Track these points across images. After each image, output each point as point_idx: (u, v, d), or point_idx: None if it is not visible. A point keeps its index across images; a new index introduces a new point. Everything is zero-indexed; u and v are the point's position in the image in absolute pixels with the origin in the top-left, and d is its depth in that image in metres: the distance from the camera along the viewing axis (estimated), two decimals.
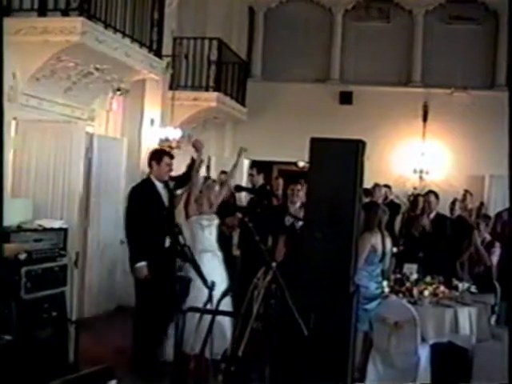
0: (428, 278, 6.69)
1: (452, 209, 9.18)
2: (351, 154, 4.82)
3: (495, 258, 7.61)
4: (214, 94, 10.92)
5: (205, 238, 6.35)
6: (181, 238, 4.50)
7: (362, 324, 6.14)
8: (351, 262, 4.68)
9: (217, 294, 4.38)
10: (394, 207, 10.55)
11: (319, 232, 4.50)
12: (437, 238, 8.02)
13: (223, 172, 9.70)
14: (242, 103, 12.70)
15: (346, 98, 13.24)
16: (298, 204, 7.32)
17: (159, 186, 6.13)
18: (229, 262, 8.24)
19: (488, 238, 7.79)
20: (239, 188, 7.68)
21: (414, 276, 6.69)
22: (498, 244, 7.72)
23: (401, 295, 6.31)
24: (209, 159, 12.21)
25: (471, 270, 7.58)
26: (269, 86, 13.50)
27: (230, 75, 11.86)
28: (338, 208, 4.66)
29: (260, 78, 13.97)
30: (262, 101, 13.09)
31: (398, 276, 6.83)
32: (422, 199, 8.60)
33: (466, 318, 6.10)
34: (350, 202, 4.72)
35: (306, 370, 4.39)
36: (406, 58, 13.73)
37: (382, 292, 6.24)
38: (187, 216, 6.40)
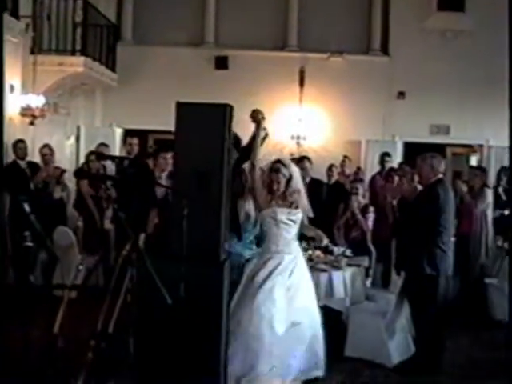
0: (304, 244, 6.66)
1: (329, 174, 9.29)
2: (218, 118, 4.59)
3: (370, 223, 7.69)
4: (81, 59, 10.28)
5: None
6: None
7: None
8: (221, 230, 4.47)
9: None
10: None
11: (186, 199, 4.25)
12: (312, 203, 7.99)
13: (103, 144, 9.26)
14: (112, 69, 12.10)
15: (221, 63, 12.91)
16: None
17: None
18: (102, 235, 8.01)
19: (363, 202, 7.84)
20: (101, 156, 7.24)
21: None
22: (372, 208, 7.80)
23: None
24: (78, 129, 11.66)
25: (347, 234, 7.62)
26: (140, 50, 12.93)
27: (98, 38, 11.23)
28: (206, 175, 4.42)
29: (131, 41, 13.31)
30: (134, 66, 12.55)
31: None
32: (298, 167, 8.49)
33: (341, 281, 6.14)
34: (219, 169, 4.49)
35: (177, 341, 4.18)
36: (282, 22, 13.58)
37: None
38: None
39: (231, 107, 4.70)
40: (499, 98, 12.85)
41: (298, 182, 5.29)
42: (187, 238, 4.35)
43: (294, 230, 5.20)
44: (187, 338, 4.11)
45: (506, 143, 13.30)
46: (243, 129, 12.92)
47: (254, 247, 6.06)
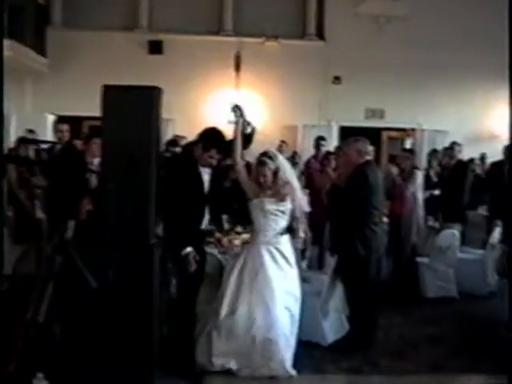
0: (239, 228, 6.70)
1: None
2: (146, 101, 4.52)
3: (305, 206, 7.71)
4: (7, 42, 9.94)
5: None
6: None
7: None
8: (150, 213, 4.42)
9: None
10: None
11: (112, 183, 4.20)
12: None
13: (29, 130, 9.02)
14: (42, 53, 11.79)
15: (155, 48, 12.78)
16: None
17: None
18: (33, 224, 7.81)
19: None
20: (24, 140, 7.05)
21: (226, 226, 6.64)
22: (307, 191, 7.84)
23: (211, 246, 6.25)
24: (7, 117, 11.32)
25: None
26: (71, 34, 12.65)
27: (26, 21, 10.89)
28: (134, 158, 4.37)
29: (61, 25, 12.99)
30: (65, 51, 12.28)
31: (209, 227, 6.77)
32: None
33: None
34: (146, 152, 4.43)
35: (106, 327, 4.14)
36: (217, 7, 13.55)
37: None
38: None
39: (160, 90, 4.62)
40: (432, 83, 13.29)
41: (287, 174, 5.21)
42: (116, 223, 4.32)
43: (282, 221, 5.14)
44: (117, 324, 4.08)
45: (438, 127, 13.75)
46: (180, 114, 12.91)
47: None
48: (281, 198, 5.10)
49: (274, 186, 5.13)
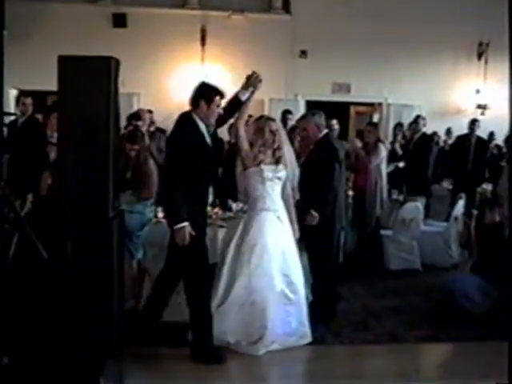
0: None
1: (231, 133, 9.28)
2: (102, 71, 4.42)
3: None
4: None
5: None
6: None
7: (137, 251, 6.01)
8: (109, 186, 4.36)
9: None
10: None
11: (70, 155, 4.14)
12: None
13: None
14: (1, 26, 11.50)
15: (119, 21, 12.55)
16: None
17: (203, 127, 4.94)
18: None
19: None
20: None
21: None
22: None
23: None
24: None
25: None
26: (32, 5, 12.27)
27: None
28: (92, 130, 4.30)
29: None
30: (26, 23, 11.92)
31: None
32: None
33: None
34: (104, 124, 4.36)
35: (63, 301, 4.11)
36: None
37: (156, 217, 6.13)
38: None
39: (117, 60, 4.54)
40: (398, 58, 13.31)
41: (282, 138, 5.29)
42: (74, 196, 4.26)
43: (278, 187, 5.21)
44: (75, 298, 4.05)
45: (404, 101, 13.80)
46: (145, 88, 12.74)
47: (153, 207, 6.08)
48: (276, 160, 5.18)
49: (272, 146, 5.19)
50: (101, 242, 4.27)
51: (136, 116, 7.93)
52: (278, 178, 5.20)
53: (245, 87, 5.17)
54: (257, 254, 5.06)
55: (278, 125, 5.36)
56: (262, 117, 5.44)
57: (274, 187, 5.19)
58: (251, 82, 5.19)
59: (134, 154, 5.96)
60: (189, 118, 4.93)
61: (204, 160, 4.89)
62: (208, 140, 4.93)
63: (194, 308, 4.92)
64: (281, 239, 5.17)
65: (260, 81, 5.19)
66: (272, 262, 5.09)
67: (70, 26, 12.12)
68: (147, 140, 8.47)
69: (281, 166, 5.21)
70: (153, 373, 4.71)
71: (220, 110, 4.98)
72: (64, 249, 4.15)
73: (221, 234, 6.10)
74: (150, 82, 12.49)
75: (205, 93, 4.96)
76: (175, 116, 12.82)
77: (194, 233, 4.76)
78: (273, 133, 5.21)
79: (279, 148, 5.23)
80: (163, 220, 6.14)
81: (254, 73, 5.23)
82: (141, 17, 12.60)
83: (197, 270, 4.86)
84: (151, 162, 6.18)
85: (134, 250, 6.03)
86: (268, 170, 5.15)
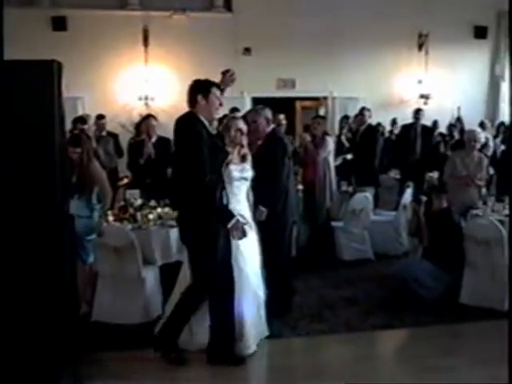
0: (153, 202, 6.62)
1: None
2: (45, 75, 4.33)
3: None
4: None
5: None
6: None
7: (89, 256, 5.98)
8: (56, 191, 4.27)
9: None
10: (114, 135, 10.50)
11: (13, 159, 4.06)
12: (160, 161, 7.96)
13: None
14: None
15: (59, 24, 12.30)
16: None
17: (207, 124, 4.75)
18: None
19: None
20: None
21: (138, 202, 6.56)
22: None
23: (125, 222, 6.20)
24: None
25: None
26: None
27: None
28: (36, 134, 4.21)
29: None
30: None
31: (122, 203, 6.70)
32: (144, 124, 8.40)
33: None
34: (49, 127, 4.27)
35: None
36: None
37: (106, 221, 6.08)
38: None
39: (59, 63, 4.44)
40: (341, 51, 13.45)
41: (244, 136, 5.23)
42: (21, 200, 4.17)
43: (244, 187, 5.13)
44: (27, 304, 3.99)
45: (347, 94, 13.93)
46: (89, 92, 12.54)
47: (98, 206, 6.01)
48: (242, 157, 5.13)
49: (238, 144, 5.12)
50: (51, 248, 4.18)
51: (81, 119, 7.84)
52: (245, 179, 5.12)
53: (219, 84, 4.92)
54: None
55: (242, 123, 5.26)
56: (225, 116, 5.31)
57: (241, 187, 5.11)
58: (225, 79, 4.96)
59: (76, 157, 5.90)
60: (193, 117, 4.73)
61: (217, 158, 4.76)
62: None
63: (217, 313, 4.81)
64: (247, 239, 4.99)
65: (233, 80, 4.96)
66: (247, 262, 5.04)
67: (9, 31, 11.79)
68: (94, 143, 8.40)
69: (247, 166, 5.15)
70: (112, 376, 4.65)
71: (221, 101, 4.80)
72: (13, 255, 4.06)
73: (172, 234, 6.07)
74: (93, 85, 12.32)
75: (200, 87, 4.79)
76: (121, 118, 12.76)
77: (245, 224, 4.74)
78: (240, 131, 5.14)
79: (244, 146, 5.17)
80: (115, 222, 6.12)
81: (229, 71, 5.00)
82: (81, 19, 12.38)
83: (222, 275, 4.75)
84: (96, 165, 6.12)
85: (85, 255, 5.97)
86: (235, 170, 5.07)
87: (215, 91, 4.76)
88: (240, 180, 5.09)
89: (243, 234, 4.74)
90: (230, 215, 4.69)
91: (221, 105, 4.81)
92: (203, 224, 4.64)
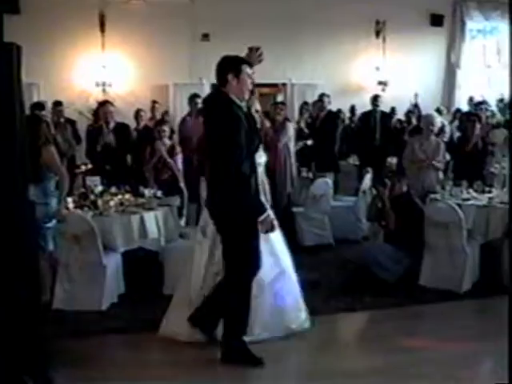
0: (113, 189, 6.57)
1: (137, 119, 9.24)
2: (4, 58, 4.22)
3: (180, 164, 7.67)
4: None
5: None
6: None
7: (48, 244, 5.90)
8: (16, 177, 4.18)
9: None
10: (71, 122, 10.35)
11: None
12: (120, 148, 7.90)
13: None
14: None
15: (12, 7, 11.59)
16: None
17: (241, 105, 4.43)
18: None
19: (169, 143, 7.75)
20: None
21: (99, 188, 6.49)
22: (179, 149, 7.78)
23: (86, 209, 6.15)
24: None
25: (158, 176, 7.57)
26: None
27: None
28: None
29: None
30: None
31: (82, 190, 6.63)
32: (101, 111, 8.29)
33: (153, 222, 6.20)
34: (10, 113, 4.17)
35: None
36: None
37: (67, 208, 5.99)
38: None
39: (18, 47, 4.32)
40: (301, 38, 13.45)
41: None
42: None
43: (259, 174, 4.79)
44: None
45: (306, 81, 13.95)
46: (44, 78, 12.28)
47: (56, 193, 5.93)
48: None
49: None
50: (13, 236, 4.09)
51: (39, 105, 7.70)
52: (260, 164, 4.89)
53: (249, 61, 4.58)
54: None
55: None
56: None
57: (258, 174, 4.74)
58: (252, 56, 4.61)
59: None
60: (226, 97, 4.39)
61: (253, 143, 4.46)
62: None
63: (233, 302, 4.54)
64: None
65: (260, 60, 4.62)
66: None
67: None
68: (52, 129, 8.27)
69: (261, 151, 4.95)
70: (75, 363, 4.61)
71: (253, 79, 4.51)
72: None
73: (134, 220, 6.04)
74: (49, 71, 12.07)
75: (230, 65, 4.49)
76: (78, 105, 12.52)
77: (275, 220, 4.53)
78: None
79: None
80: (75, 209, 6.04)
81: (258, 48, 4.62)
82: (35, 2, 12.07)
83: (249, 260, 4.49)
84: (51, 150, 5.98)
85: (44, 242, 5.87)
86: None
87: (246, 69, 4.46)
88: (258, 166, 4.74)
89: (272, 229, 4.52)
90: (263, 208, 4.45)
91: (253, 83, 4.51)
92: (240, 215, 4.35)
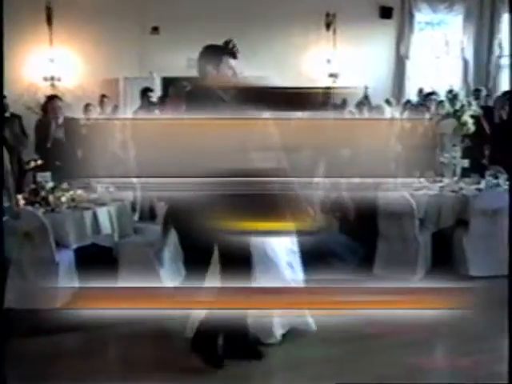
0: (65, 185, 6.46)
1: (86, 114, 9.14)
2: None
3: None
4: None
5: None
6: None
7: None
8: None
9: None
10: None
11: None
12: (69, 144, 7.77)
13: None
14: None
15: None
16: None
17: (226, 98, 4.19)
18: None
19: (120, 138, 7.67)
20: None
21: (50, 184, 6.37)
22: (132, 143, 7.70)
23: (37, 205, 6.05)
24: None
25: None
26: None
27: None
28: None
29: None
30: None
31: (33, 186, 6.50)
32: (49, 106, 8.14)
33: (106, 217, 6.12)
34: None
35: None
36: None
37: (17, 204, 5.87)
38: None
39: None
40: (251, 30, 13.42)
41: None
42: None
43: None
44: None
45: (257, 73, 13.81)
46: None
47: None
48: None
49: None
50: None
51: None
52: None
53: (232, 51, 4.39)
54: None
55: None
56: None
57: None
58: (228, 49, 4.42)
59: None
60: (206, 89, 4.22)
61: None
62: None
63: None
64: None
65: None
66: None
67: None
68: None
69: None
70: (31, 363, 4.53)
71: (233, 70, 4.26)
72: None
73: (87, 216, 5.96)
74: None
75: (209, 55, 4.34)
76: (25, 99, 12.28)
77: None
78: None
79: None
80: (26, 206, 5.93)
81: (231, 41, 4.43)
82: None
83: None
84: None
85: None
86: None
87: (227, 60, 4.28)
88: None
89: None
90: None
91: (234, 75, 4.29)
92: None
